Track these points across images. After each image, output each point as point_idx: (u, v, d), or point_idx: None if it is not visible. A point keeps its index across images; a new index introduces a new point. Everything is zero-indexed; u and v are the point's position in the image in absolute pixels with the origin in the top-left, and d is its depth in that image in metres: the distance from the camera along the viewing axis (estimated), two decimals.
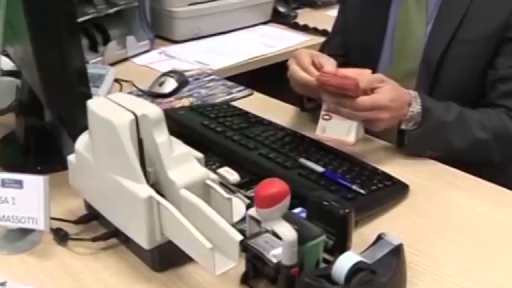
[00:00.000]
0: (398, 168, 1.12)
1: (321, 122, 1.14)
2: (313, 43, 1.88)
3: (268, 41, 1.93)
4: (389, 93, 1.10)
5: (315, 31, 2.01)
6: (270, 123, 1.23)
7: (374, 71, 1.23)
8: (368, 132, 1.18)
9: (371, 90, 1.10)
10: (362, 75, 1.12)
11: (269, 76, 1.52)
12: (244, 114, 1.27)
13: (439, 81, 1.27)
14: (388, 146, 1.22)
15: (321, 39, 1.75)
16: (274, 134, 1.17)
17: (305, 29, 2.04)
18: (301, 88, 1.19)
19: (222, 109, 1.29)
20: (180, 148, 0.87)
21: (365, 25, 1.37)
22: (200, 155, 0.91)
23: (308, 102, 1.30)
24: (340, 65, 1.20)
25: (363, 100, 1.08)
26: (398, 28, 1.32)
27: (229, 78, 1.62)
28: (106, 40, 1.73)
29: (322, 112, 1.14)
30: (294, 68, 1.16)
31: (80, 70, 1.00)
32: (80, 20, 1.59)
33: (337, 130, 1.13)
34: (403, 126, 1.14)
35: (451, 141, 1.15)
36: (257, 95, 1.50)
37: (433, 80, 1.27)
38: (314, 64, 1.15)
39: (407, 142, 1.16)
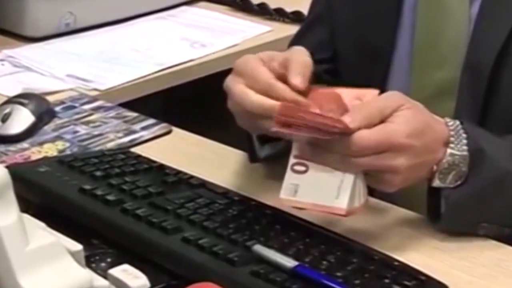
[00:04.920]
0: (428, 255, 1.15)
1: (289, 176, 1.15)
2: (278, 37, 1.94)
3: (197, 36, 1.97)
4: (410, 122, 1.13)
5: (279, 14, 2.06)
6: (202, 184, 1.26)
7: (382, 87, 1.28)
8: (374, 193, 1.21)
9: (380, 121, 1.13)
10: (362, 99, 1.15)
11: (200, 100, 1.54)
12: (157, 169, 1.30)
13: (495, 99, 1.31)
14: (411, 217, 1.26)
15: (293, 29, 1.76)
16: (209, 203, 1.20)
17: (263, 11, 2.09)
18: (256, 123, 1.19)
19: (116, 161, 1.32)
20: (41, 235, 0.89)
21: (366, 10, 1.41)
22: (77, 246, 0.93)
23: (263, 146, 1.32)
24: (317, 77, 1.22)
25: (363, 136, 1.10)
26: (421, 14, 1.37)
27: (128, 105, 1.66)
28: None
29: (292, 160, 1.15)
30: (240, 92, 1.17)
31: None
32: None
33: (318, 191, 1.13)
34: (437, 183, 1.17)
35: None
36: (179, 133, 1.53)
37: (485, 99, 1.31)
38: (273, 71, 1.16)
39: (445, 211, 1.19)
